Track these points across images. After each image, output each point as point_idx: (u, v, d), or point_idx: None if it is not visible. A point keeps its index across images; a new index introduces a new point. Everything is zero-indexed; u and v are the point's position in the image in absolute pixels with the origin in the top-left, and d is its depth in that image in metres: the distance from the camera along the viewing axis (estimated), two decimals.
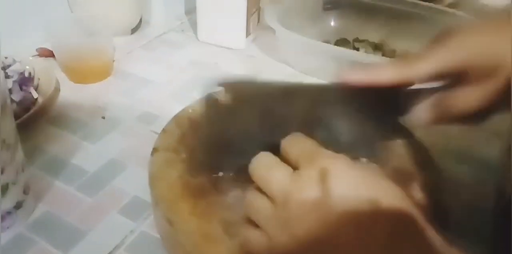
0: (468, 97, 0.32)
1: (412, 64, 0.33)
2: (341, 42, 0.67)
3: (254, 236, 0.27)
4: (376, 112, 0.36)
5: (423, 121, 0.35)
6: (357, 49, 0.65)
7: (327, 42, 0.67)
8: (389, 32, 0.67)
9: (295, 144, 0.29)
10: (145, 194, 0.40)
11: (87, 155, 0.45)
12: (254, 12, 0.67)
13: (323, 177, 0.26)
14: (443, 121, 0.34)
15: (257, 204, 0.27)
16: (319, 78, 0.58)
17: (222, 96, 0.36)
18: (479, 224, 0.42)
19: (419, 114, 0.34)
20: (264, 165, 0.29)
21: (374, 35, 0.68)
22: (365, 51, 0.64)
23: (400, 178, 0.41)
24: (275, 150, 0.34)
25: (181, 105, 0.53)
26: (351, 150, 0.40)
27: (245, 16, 0.64)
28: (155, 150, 0.41)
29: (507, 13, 0.33)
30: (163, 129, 0.44)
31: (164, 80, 0.58)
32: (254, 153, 0.34)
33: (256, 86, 0.38)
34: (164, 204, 0.36)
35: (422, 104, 0.34)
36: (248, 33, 0.67)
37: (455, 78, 0.33)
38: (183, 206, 0.37)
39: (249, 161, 0.31)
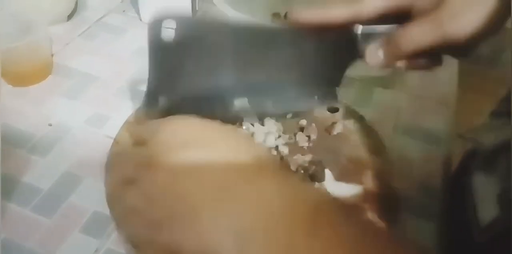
0: (416, 32, 0.32)
1: (363, 1, 0.34)
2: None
3: None
4: (331, 54, 0.37)
5: (376, 62, 0.35)
6: None
7: (277, 14, 0.65)
8: None
9: None
10: (106, 208, 0.39)
11: (39, 171, 0.44)
12: None
13: None
14: (395, 60, 0.35)
15: None
16: None
17: (169, 31, 0.35)
18: (429, 201, 0.44)
19: (372, 55, 0.35)
20: None
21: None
22: None
23: (354, 167, 0.42)
24: (215, 96, 0.37)
25: (131, 102, 0.51)
26: (300, 96, 0.41)
27: None
28: (109, 168, 0.40)
29: None
30: (115, 139, 0.42)
31: (110, 74, 0.54)
32: (202, 97, 0.37)
33: (206, 23, 0.37)
34: None
35: (373, 45, 0.35)
36: (194, 10, 0.63)
37: (403, 14, 0.34)
38: None
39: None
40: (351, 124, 0.46)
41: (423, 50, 0.32)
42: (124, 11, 0.65)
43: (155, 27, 0.34)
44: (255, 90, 0.40)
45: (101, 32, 0.61)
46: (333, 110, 0.46)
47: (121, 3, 0.66)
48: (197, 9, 0.63)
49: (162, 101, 0.38)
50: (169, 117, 0.29)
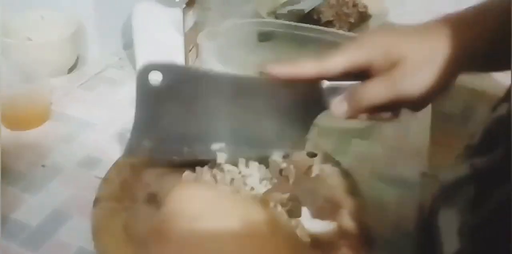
0: (373, 89, 0.37)
1: (328, 59, 0.38)
2: None
3: None
4: (298, 106, 0.41)
5: (340, 114, 0.39)
6: None
7: (264, 73, 0.70)
8: None
9: None
10: (90, 244, 0.40)
11: (28, 208, 0.45)
12: (192, 47, 0.69)
13: None
14: (357, 113, 0.39)
15: None
16: None
17: (155, 79, 0.39)
18: (403, 242, 0.46)
19: (336, 107, 0.39)
20: None
21: None
22: None
23: (331, 207, 0.44)
24: (195, 140, 0.42)
25: (122, 146, 0.54)
26: (272, 143, 0.45)
27: (183, 51, 0.66)
28: (97, 201, 0.42)
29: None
30: (104, 177, 0.45)
31: (105, 122, 0.58)
32: (183, 141, 0.41)
33: (188, 73, 0.41)
34: None
35: (338, 98, 0.39)
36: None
37: (364, 72, 0.38)
38: None
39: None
40: (328, 168, 0.49)
41: (381, 104, 0.37)
42: (121, 67, 0.70)
43: (143, 74, 0.38)
44: (232, 136, 0.44)
45: (99, 84, 0.66)
46: (312, 155, 0.50)
47: (119, 59, 0.72)
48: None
49: (146, 144, 0.42)
50: (183, 182, 0.34)
